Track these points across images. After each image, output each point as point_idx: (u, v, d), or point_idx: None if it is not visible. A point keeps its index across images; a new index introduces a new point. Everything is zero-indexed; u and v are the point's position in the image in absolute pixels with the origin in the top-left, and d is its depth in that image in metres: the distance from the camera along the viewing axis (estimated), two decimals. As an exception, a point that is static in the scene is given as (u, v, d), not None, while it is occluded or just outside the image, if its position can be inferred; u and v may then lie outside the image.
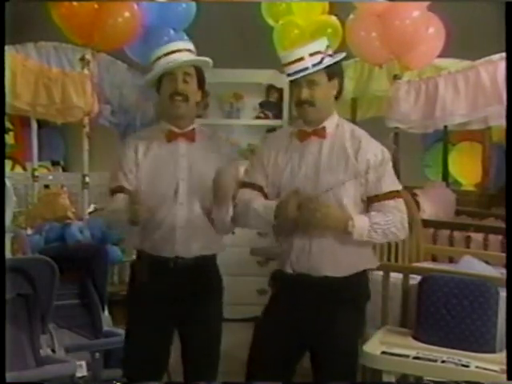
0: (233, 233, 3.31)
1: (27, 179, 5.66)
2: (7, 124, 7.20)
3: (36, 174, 5.33)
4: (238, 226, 3.22)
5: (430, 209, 5.55)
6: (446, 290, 3.49)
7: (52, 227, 4.60)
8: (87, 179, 5.26)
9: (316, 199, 2.92)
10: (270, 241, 4.12)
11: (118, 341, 3.77)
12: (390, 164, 3.11)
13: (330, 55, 3.04)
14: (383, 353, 3.38)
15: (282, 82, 5.63)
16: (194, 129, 3.21)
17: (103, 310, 4.03)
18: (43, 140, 6.20)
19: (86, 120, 5.15)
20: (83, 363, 3.35)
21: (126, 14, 5.00)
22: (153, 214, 3.07)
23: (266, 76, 5.95)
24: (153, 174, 3.15)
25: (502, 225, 4.45)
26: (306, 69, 2.97)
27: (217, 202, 3.11)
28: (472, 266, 4.05)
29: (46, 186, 6.30)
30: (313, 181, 3.02)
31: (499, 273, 3.85)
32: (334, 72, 3.04)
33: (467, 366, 3.24)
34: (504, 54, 4.33)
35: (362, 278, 3.11)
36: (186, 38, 5.01)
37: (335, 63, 3.04)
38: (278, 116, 6.13)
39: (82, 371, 3.30)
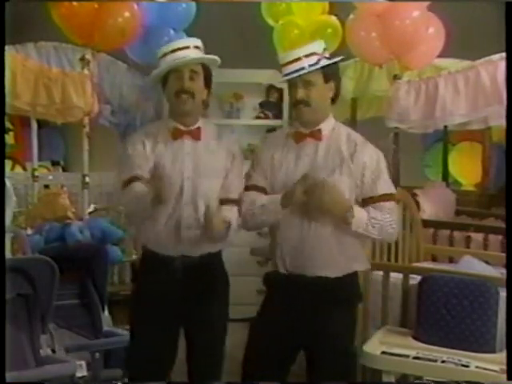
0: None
1: (27, 179, 5.66)
2: (7, 124, 7.21)
3: (36, 173, 5.33)
4: (248, 230, 3.24)
5: (430, 209, 5.56)
6: (446, 290, 3.49)
7: (52, 227, 4.60)
8: (87, 179, 5.26)
9: (323, 183, 2.95)
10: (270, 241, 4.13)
11: (118, 341, 3.78)
12: (385, 167, 3.14)
13: (327, 57, 3.08)
14: (383, 353, 3.38)
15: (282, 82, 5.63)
16: (199, 127, 3.20)
17: (103, 310, 4.03)
18: (43, 140, 6.21)
19: (86, 120, 5.15)
20: (83, 363, 3.34)
21: (126, 13, 5.00)
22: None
23: (265, 76, 5.94)
24: (157, 173, 3.10)
25: (502, 225, 4.46)
26: (302, 69, 3.01)
27: (211, 240, 3.11)
28: (472, 266, 4.05)
29: (46, 186, 6.30)
30: None
31: (499, 273, 3.85)
32: (330, 74, 3.08)
33: (467, 366, 3.24)
34: (504, 54, 4.33)
35: (354, 278, 3.15)
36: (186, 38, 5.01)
37: (332, 66, 3.09)
38: (278, 116, 6.13)
39: (82, 371, 3.29)
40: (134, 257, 4.99)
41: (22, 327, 3.21)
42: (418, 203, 5.17)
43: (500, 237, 4.83)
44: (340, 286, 3.08)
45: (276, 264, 3.14)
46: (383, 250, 4.18)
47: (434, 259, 4.84)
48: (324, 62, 3.04)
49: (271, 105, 6.22)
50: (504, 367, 3.01)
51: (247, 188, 3.18)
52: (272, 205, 3.06)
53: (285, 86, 5.87)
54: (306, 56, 3.02)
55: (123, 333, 3.84)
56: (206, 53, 3.22)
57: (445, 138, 7.05)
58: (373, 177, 3.05)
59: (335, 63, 3.12)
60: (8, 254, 3.72)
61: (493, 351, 3.37)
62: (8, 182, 3.92)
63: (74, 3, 4.87)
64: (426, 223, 4.98)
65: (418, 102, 5.01)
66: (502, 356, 3.17)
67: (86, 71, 5.08)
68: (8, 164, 7.41)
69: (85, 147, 5.24)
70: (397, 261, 4.35)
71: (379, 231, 3.04)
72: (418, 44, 4.97)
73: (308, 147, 3.10)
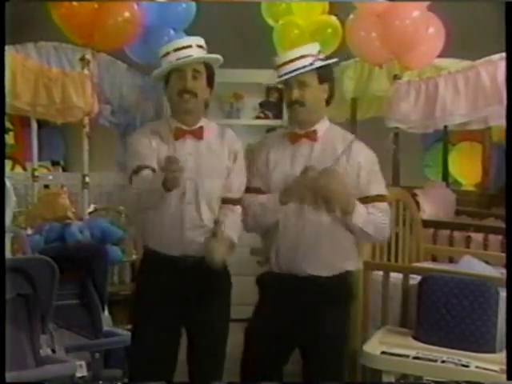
0: None
1: (27, 179, 5.65)
2: (7, 124, 7.19)
3: (36, 174, 5.32)
4: (248, 231, 3.26)
5: (430, 209, 5.55)
6: (446, 290, 3.49)
7: (52, 227, 4.60)
8: (87, 179, 5.26)
9: (331, 170, 3.01)
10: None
11: (118, 341, 3.78)
12: (379, 168, 3.20)
13: (322, 59, 3.13)
14: (383, 353, 3.39)
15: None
16: (201, 126, 3.19)
17: (103, 310, 4.02)
18: (43, 140, 6.20)
19: (86, 120, 5.14)
20: (83, 363, 3.34)
21: (126, 13, 5.00)
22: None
23: (265, 76, 5.94)
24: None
25: (502, 225, 4.45)
26: (297, 69, 3.06)
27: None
28: (472, 266, 4.05)
29: (46, 186, 6.30)
30: None
31: (499, 273, 3.85)
32: (325, 76, 3.13)
33: (467, 366, 3.25)
34: (504, 54, 4.33)
35: (346, 278, 3.18)
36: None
37: (327, 68, 3.14)
38: (278, 116, 6.12)
39: (82, 371, 3.30)
40: (134, 257, 4.99)
41: (22, 327, 3.20)
42: (418, 203, 5.17)
43: (500, 237, 4.83)
44: (332, 285, 3.12)
45: (270, 264, 3.17)
46: (383, 249, 4.18)
47: (434, 259, 4.84)
48: (319, 64, 3.09)
49: (271, 105, 6.22)
50: (504, 367, 3.01)
51: (246, 190, 3.21)
52: (270, 202, 3.09)
53: (285, 87, 5.91)
54: (301, 57, 3.09)
55: (123, 333, 3.84)
56: (207, 52, 3.21)
57: (445, 138, 7.04)
58: (368, 177, 3.11)
59: (330, 65, 3.18)
60: (8, 254, 3.72)
61: (493, 351, 3.38)
62: (8, 182, 3.92)
63: (74, 3, 4.86)
64: (426, 223, 4.97)
65: (418, 102, 5.00)
66: (501, 356, 3.17)
67: (86, 71, 5.07)
68: (8, 164, 7.40)
69: (85, 147, 5.23)
70: (397, 261, 4.34)
71: (375, 228, 3.10)
72: (418, 44, 4.96)
73: (303, 148, 3.15)
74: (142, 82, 5.57)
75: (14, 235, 3.98)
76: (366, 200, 3.10)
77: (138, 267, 3.52)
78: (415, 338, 3.53)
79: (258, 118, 6.23)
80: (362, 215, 3.06)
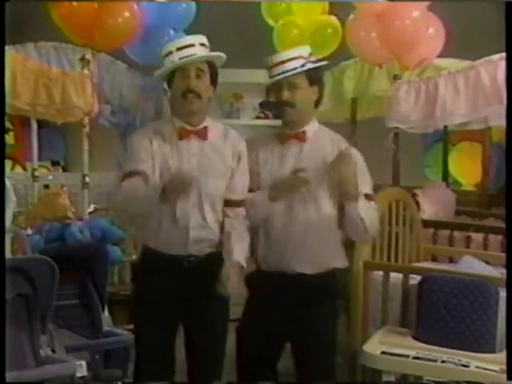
0: None
1: (27, 179, 5.65)
2: (7, 124, 7.20)
3: (36, 173, 5.32)
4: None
5: (430, 209, 5.55)
6: (446, 290, 3.49)
7: (52, 227, 4.59)
8: (87, 179, 5.26)
9: (350, 155, 3.08)
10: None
11: (118, 341, 3.77)
12: (367, 169, 3.25)
13: (313, 61, 3.19)
14: (383, 353, 3.39)
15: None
16: (206, 126, 3.18)
17: (103, 309, 4.02)
18: (43, 140, 6.21)
19: (86, 120, 5.14)
20: (83, 363, 3.34)
21: (126, 13, 5.00)
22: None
23: (266, 76, 5.94)
24: (164, 173, 3.10)
25: (502, 225, 4.45)
26: (288, 71, 3.12)
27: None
28: (472, 266, 4.05)
29: (46, 186, 6.29)
30: None
31: (499, 273, 3.85)
32: (315, 78, 3.19)
33: (467, 366, 3.24)
34: (504, 54, 4.32)
35: (333, 275, 3.23)
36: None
37: (317, 70, 3.20)
38: (278, 116, 6.11)
39: (82, 371, 3.29)
40: (134, 257, 4.98)
41: (22, 327, 3.20)
42: (418, 203, 5.16)
43: (500, 237, 4.82)
44: (320, 282, 3.17)
45: (258, 262, 3.21)
46: (383, 249, 4.18)
47: (434, 259, 4.84)
48: (309, 66, 3.15)
49: (271, 105, 6.19)
50: (504, 367, 3.01)
51: None
52: (259, 199, 3.11)
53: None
54: (292, 59, 3.13)
55: (123, 333, 3.83)
56: (209, 51, 3.20)
57: (445, 138, 7.04)
58: (358, 177, 3.13)
59: (320, 67, 3.23)
60: (8, 254, 3.72)
61: (493, 351, 3.37)
62: (8, 182, 3.91)
63: (74, 3, 4.87)
64: (426, 223, 4.97)
65: (418, 102, 5.00)
66: (501, 356, 3.17)
67: (86, 71, 5.07)
68: (8, 164, 7.41)
69: (85, 147, 5.23)
70: (397, 261, 4.34)
71: (370, 222, 3.15)
72: (418, 44, 4.97)
73: (293, 148, 3.20)
74: (142, 81, 5.57)
75: (13, 235, 3.97)
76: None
77: (136, 266, 3.51)
78: (415, 337, 3.53)
79: (258, 117, 6.23)
80: (364, 205, 3.11)
